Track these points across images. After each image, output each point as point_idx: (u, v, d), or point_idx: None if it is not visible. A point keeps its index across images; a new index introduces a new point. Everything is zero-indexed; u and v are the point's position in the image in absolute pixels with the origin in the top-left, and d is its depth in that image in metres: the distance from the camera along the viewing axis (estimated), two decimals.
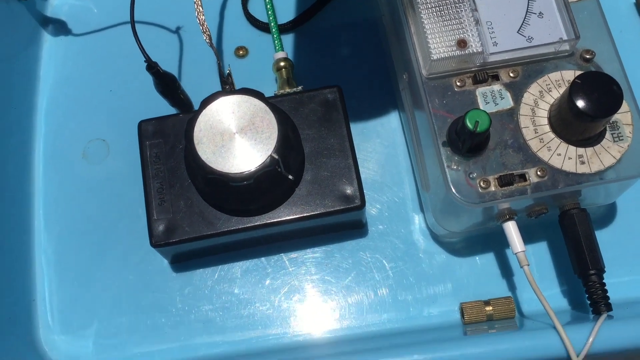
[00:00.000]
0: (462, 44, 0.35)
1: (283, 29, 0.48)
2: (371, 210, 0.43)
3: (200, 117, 0.35)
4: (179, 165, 0.38)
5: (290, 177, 0.36)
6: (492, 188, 0.34)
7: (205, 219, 0.37)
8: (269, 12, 0.48)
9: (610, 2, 0.47)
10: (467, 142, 0.33)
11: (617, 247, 0.40)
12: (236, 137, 0.34)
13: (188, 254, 0.41)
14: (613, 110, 0.31)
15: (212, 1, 0.50)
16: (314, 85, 0.46)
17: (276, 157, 0.33)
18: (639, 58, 0.46)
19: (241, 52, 0.48)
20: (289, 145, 0.36)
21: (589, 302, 0.36)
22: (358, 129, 0.45)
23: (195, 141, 0.34)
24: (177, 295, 0.41)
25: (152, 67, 0.40)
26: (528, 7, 0.36)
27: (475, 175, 0.34)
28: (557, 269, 0.40)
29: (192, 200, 0.37)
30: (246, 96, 0.35)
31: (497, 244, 0.40)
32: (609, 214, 0.42)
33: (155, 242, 0.37)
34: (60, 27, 0.50)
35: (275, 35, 0.47)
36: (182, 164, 0.38)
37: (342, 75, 0.47)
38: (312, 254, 0.42)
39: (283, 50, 0.47)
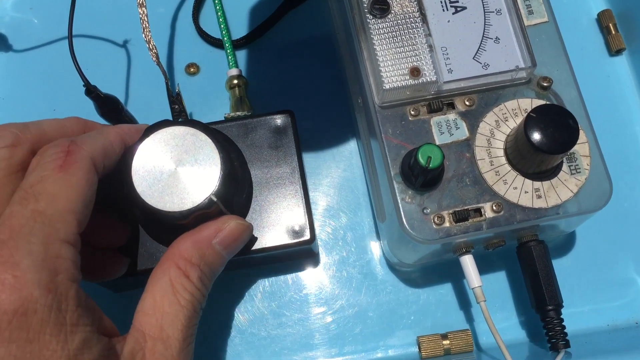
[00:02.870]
0: (415, 72, 0.33)
1: (236, 44, 0.46)
2: (326, 238, 0.41)
3: (141, 146, 0.33)
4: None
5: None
6: (447, 224, 0.32)
7: (147, 252, 0.35)
8: (222, 27, 0.46)
9: (571, 18, 0.46)
10: (420, 178, 0.31)
11: (577, 276, 0.39)
12: (177, 172, 0.32)
13: (131, 285, 0.38)
14: (569, 146, 0.30)
15: (161, 15, 0.48)
16: (267, 104, 0.44)
17: (215, 199, 0.31)
18: (599, 75, 0.45)
19: (192, 69, 0.46)
20: (234, 182, 0.34)
21: (546, 337, 0.35)
22: (313, 151, 0.43)
23: (133, 171, 0.32)
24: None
25: (91, 91, 0.38)
26: (484, 31, 0.35)
27: (429, 210, 0.32)
28: (516, 298, 0.39)
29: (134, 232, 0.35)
30: (193, 129, 0.33)
31: (455, 273, 0.39)
32: (568, 242, 0.40)
33: None
34: (0, 42, 0.48)
35: (229, 51, 0.45)
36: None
37: (297, 94, 0.45)
38: (261, 286, 0.40)
39: (237, 67, 0.44)
